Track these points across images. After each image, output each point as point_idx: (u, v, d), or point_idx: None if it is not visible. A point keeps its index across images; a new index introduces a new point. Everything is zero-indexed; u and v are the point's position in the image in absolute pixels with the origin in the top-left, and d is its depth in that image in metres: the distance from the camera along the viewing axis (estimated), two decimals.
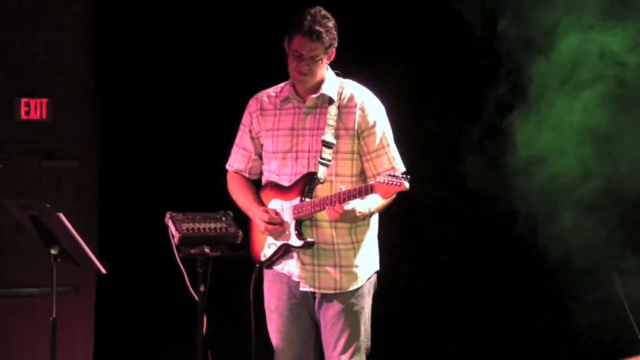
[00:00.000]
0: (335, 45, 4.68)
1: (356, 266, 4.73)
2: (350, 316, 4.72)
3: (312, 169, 4.67)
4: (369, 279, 4.77)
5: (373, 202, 4.59)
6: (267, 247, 4.78)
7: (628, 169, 5.86)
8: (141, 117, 6.46)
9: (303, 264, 4.71)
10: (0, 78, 6.34)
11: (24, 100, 6.36)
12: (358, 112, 4.71)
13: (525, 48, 5.98)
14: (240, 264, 5.04)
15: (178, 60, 6.46)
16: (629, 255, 5.87)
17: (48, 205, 4.89)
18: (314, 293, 4.74)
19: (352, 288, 4.72)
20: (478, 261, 6.66)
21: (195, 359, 5.03)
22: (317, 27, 4.60)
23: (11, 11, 6.34)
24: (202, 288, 5.01)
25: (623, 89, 5.86)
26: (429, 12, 6.49)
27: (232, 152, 4.94)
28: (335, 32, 4.66)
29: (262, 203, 4.78)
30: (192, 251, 5.04)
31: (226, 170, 4.97)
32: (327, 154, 4.65)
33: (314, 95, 4.72)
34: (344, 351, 4.71)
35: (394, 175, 4.39)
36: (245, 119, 4.87)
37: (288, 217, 4.69)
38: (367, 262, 4.76)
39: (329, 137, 4.67)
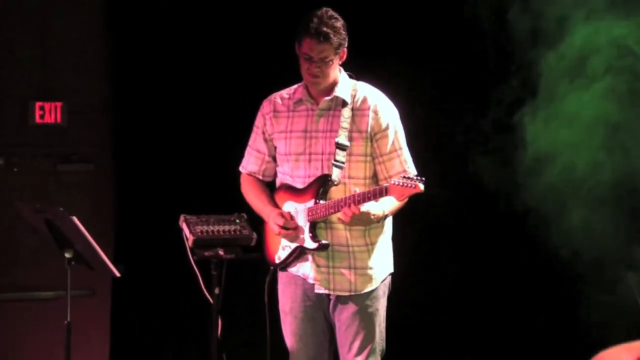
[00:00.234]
0: (346, 45, 4.65)
1: (371, 268, 4.72)
2: (365, 318, 4.71)
3: (325, 171, 4.67)
4: (383, 280, 4.76)
5: (387, 205, 4.57)
6: (281, 250, 4.77)
7: None
8: (156, 120, 6.46)
9: (318, 266, 4.71)
10: (15, 82, 6.34)
11: (38, 104, 6.36)
12: (371, 114, 4.69)
13: (534, 42, 5.94)
14: (254, 266, 5.03)
15: (193, 64, 6.45)
16: None
17: (61, 209, 4.89)
18: (328, 295, 4.74)
19: (366, 290, 4.72)
20: (493, 261, 6.64)
21: None
22: (325, 29, 4.58)
23: (24, 17, 6.35)
24: (216, 290, 5.00)
25: (638, 82, 5.82)
26: (437, 11, 6.46)
27: (246, 154, 4.94)
28: (344, 32, 4.64)
29: (276, 205, 4.78)
30: (206, 254, 5.03)
31: (240, 173, 4.97)
32: (340, 156, 4.64)
33: (327, 98, 4.71)
34: (358, 353, 4.70)
35: (408, 178, 4.38)
36: (259, 120, 4.86)
37: (302, 219, 4.68)
38: (381, 264, 4.76)
39: (342, 139, 4.65)
